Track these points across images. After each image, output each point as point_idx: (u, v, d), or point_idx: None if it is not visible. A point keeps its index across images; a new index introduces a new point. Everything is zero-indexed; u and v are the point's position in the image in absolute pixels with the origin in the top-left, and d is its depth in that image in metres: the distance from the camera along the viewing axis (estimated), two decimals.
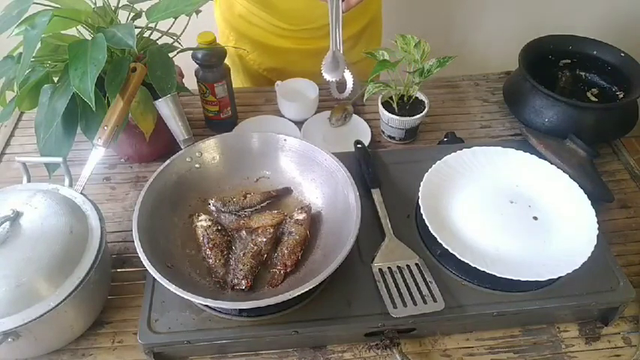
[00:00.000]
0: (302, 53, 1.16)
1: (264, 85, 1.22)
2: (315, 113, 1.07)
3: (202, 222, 0.77)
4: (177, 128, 0.79)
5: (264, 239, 0.75)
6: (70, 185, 0.78)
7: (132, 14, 0.88)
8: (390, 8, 1.26)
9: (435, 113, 1.08)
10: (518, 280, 0.69)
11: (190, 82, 0.97)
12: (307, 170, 0.83)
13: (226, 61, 0.99)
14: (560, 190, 0.80)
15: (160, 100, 0.77)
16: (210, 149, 0.83)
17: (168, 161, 0.78)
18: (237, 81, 1.29)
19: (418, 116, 0.98)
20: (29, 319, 0.63)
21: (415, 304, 0.67)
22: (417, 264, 0.72)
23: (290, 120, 1.06)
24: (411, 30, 1.01)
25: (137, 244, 0.67)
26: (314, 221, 0.79)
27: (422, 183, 0.79)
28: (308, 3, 1.05)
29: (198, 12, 0.88)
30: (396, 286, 0.70)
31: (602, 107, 0.99)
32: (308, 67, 1.16)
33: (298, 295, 0.63)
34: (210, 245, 0.74)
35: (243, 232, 0.78)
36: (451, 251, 0.71)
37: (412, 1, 1.69)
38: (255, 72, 1.24)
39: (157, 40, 0.88)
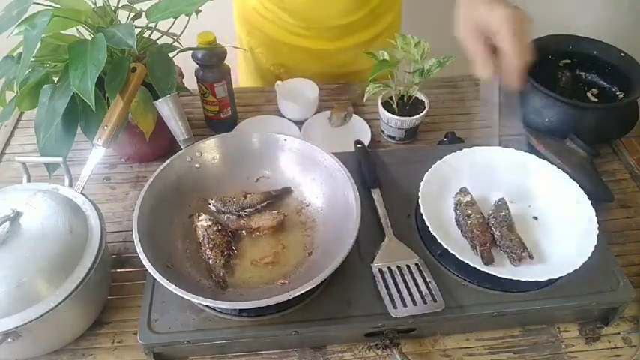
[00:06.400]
0: (310, 53, 1.16)
1: (271, 79, 1.22)
2: (315, 113, 1.07)
3: (202, 222, 0.77)
4: (178, 128, 0.79)
5: None
6: (70, 185, 0.78)
7: (132, 14, 0.88)
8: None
9: (435, 113, 1.08)
10: (518, 280, 0.69)
11: (190, 82, 0.97)
12: (307, 170, 0.83)
13: (236, 53, 0.98)
14: (560, 190, 0.80)
15: (160, 100, 0.77)
16: (210, 149, 0.83)
17: (168, 161, 0.78)
18: (246, 74, 1.30)
19: (418, 116, 0.98)
20: (29, 319, 0.63)
21: (415, 304, 0.67)
22: (417, 264, 0.72)
23: (290, 120, 1.06)
24: (411, 30, 1.01)
25: (137, 244, 0.67)
26: (314, 221, 0.79)
27: (422, 183, 0.79)
28: (316, 1, 1.05)
29: (198, 12, 0.88)
30: (396, 286, 0.69)
31: (602, 107, 0.99)
32: (314, 67, 1.17)
33: (298, 295, 0.63)
34: (211, 245, 0.74)
35: (243, 232, 0.78)
36: (451, 251, 0.70)
37: (412, 0, 1.68)
38: (262, 65, 1.24)
39: (157, 40, 0.88)
